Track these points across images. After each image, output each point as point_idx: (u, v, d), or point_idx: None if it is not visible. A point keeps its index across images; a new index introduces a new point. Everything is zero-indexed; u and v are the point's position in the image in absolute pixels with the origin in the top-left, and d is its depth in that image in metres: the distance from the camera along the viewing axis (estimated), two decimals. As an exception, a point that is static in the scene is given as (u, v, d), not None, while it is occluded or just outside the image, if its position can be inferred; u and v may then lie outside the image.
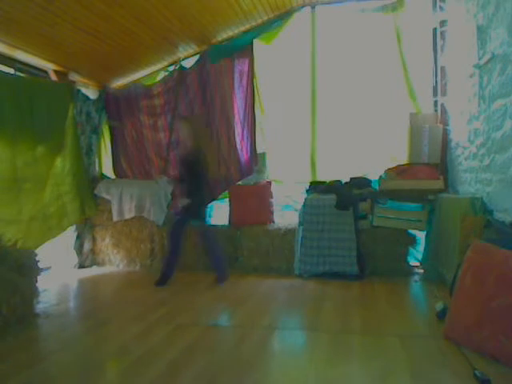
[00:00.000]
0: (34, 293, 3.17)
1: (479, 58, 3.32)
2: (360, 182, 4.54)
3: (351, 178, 4.65)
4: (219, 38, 5.25)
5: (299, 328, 3.02)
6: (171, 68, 5.47)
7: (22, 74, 4.43)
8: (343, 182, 4.65)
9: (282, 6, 4.89)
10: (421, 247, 4.44)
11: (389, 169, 4.40)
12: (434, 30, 4.61)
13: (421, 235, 4.38)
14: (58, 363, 2.39)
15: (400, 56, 4.71)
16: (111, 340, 2.74)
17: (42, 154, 4.29)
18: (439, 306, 2.91)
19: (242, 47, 5.14)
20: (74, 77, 4.97)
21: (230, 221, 4.91)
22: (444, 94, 4.53)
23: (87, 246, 5.11)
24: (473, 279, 2.38)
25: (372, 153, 4.88)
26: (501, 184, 2.95)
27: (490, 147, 3.16)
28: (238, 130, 5.20)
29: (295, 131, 5.21)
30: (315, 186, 4.71)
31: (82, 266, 5.02)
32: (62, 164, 4.57)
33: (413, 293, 3.92)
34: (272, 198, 4.96)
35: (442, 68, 4.53)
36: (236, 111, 5.20)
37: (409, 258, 4.32)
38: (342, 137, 5.03)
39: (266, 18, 5.04)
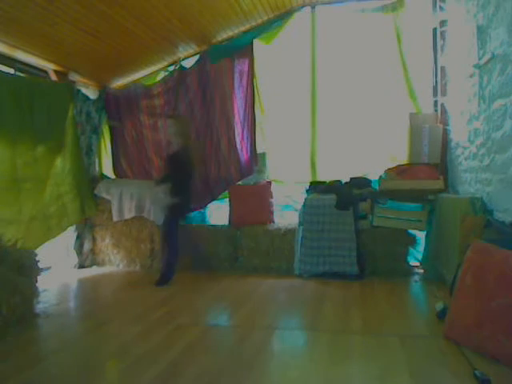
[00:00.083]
0: (34, 293, 3.17)
1: (479, 58, 3.32)
2: (360, 182, 4.54)
3: (351, 178, 4.65)
4: (219, 38, 5.25)
5: (299, 328, 3.02)
6: (171, 68, 5.46)
7: (22, 74, 4.43)
8: (343, 182, 4.65)
9: (282, 6, 4.89)
10: (421, 247, 4.43)
11: (389, 169, 4.39)
12: (434, 30, 4.60)
13: (421, 235, 4.38)
14: (58, 363, 2.39)
15: (400, 56, 4.70)
16: (111, 340, 2.74)
17: (42, 154, 4.29)
18: (439, 306, 2.91)
19: (241, 47, 5.14)
20: (73, 77, 4.97)
21: (229, 221, 4.91)
22: (444, 93, 4.52)
23: (87, 246, 5.11)
24: (473, 279, 2.37)
25: (372, 153, 4.87)
26: (501, 184, 2.95)
27: (490, 147, 3.16)
28: (238, 129, 5.19)
29: (295, 131, 5.19)
30: (315, 186, 4.71)
31: (81, 266, 5.02)
32: (61, 164, 4.57)
33: (413, 293, 3.91)
34: (272, 197, 4.96)
35: (442, 68, 4.52)
36: (236, 111, 5.19)
37: (409, 258, 4.32)
38: (342, 137, 5.02)
39: (265, 18, 5.03)
